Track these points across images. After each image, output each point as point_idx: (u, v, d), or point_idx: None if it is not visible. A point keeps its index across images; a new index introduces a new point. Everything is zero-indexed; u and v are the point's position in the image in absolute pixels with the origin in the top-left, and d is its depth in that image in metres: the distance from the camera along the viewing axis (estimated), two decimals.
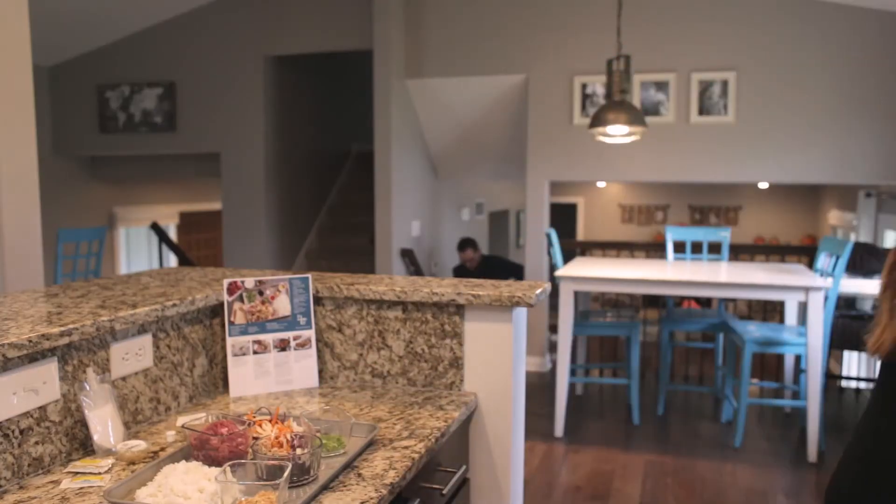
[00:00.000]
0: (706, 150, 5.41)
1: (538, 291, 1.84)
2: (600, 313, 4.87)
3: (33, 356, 1.33)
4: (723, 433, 4.28)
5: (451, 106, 6.06)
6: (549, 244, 5.39)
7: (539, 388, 5.25)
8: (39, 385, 1.34)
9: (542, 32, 5.63)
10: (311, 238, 7.09)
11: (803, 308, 4.08)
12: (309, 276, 1.90)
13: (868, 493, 1.07)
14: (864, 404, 4.90)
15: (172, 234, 8.31)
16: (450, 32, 5.72)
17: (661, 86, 5.44)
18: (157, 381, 1.66)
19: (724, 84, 5.31)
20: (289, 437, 1.30)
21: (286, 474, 1.14)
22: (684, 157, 5.46)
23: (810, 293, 3.77)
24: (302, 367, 1.89)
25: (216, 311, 1.87)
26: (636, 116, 4.17)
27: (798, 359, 4.61)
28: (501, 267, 6.51)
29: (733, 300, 6.46)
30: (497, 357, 1.82)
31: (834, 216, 7.25)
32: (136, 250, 8.19)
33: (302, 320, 1.89)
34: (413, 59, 5.81)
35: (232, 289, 1.83)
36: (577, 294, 4.60)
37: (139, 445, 1.41)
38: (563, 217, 9.83)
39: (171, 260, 7.90)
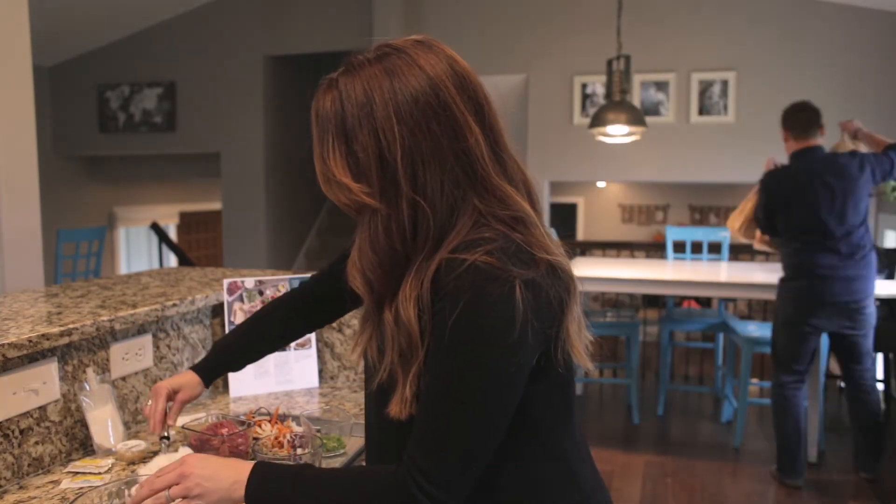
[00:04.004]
0: (706, 150, 5.40)
1: None
2: (600, 313, 4.87)
3: (33, 356, 1.33)
4: (723, 433, 4.27)
5: None
6: None
7: None
8: (39, 385, 1.34)
9: (542, 32, 5.63)
10: (311, 238, 7.09)
11: None
12: (309, 276, 1.90)
13: None
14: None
15: (172, 234, 8.31)
16: (450, 32, 5.72)
17: (661, 86, 5.44)
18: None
19: (724, 84, 5.31)
20: (289, 437, 1.31)
21: None
22: (684, 157, 5.46)
23: None
24: (302, 367, 1.89)
25: (216, 311, 1.86)
26: (636, 116, 4.17)
27: None
28: None
29: (733, 300, 6.46)
30: None
31: None
32: (136, 250, 8.19)
33: None
34: None
35: (232, 289, 1.83)
36: None
37: (139, 445, 1.41)
38: (563, 217, 9.81)
39: (171, 260, 7.90)
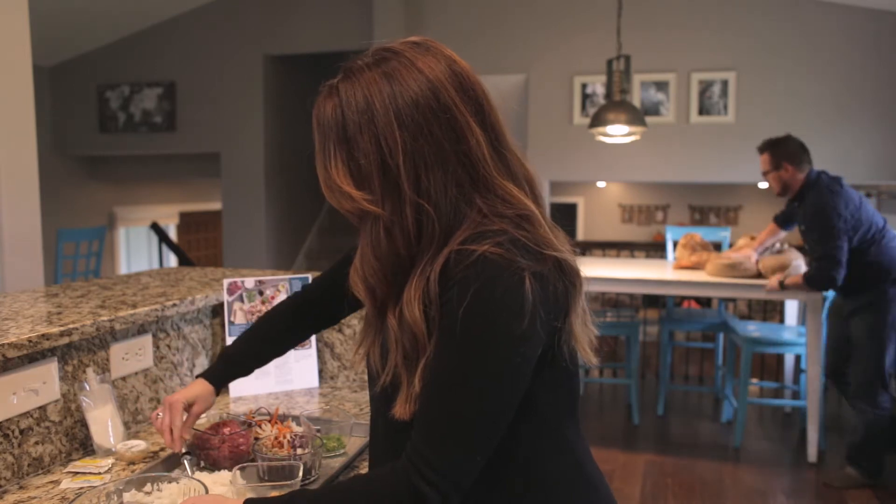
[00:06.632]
0: (706, 150, 5.40)
1: None
2: (600, 313, 4.87)
3: (33, 356, 1.33)
4: (723, 433, 4.27)
5: None
6: None
7: None
8: (39, 385, 1.34)
9: (542, 32, 5.63)
10: (311, 238, 7.09)
11: (803, 308, 4.07)
12: (309, 275, 1.90)
13: None
14: None
15: (172, 234, 8.31)
16: (450, 32, 5.72)
17: (661, 86, 5.44)
18: (157, 381, 1.66)
19: (724, 84, 5.32)
20: (289, 437, 1.30)
21: (300, 475, 1.15)
22: (684, 157, 5.46)
23: (810, 293, 3.76)
24: (302, 367, 1.89)
25: (216, 311, 1.86)
26: (636, 116, 4.17)
27: (798, 359, 4.60)
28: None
29: (733, 300, 6.46)
30: None
31: None
32: (136, 250, 8.19)
33: None
34: None
35: (232, 289, 1.83)
36: None
37: (139, 445, 1.40)
38: (563, 217, 9.81)
39: (171, 260, 7.91)
